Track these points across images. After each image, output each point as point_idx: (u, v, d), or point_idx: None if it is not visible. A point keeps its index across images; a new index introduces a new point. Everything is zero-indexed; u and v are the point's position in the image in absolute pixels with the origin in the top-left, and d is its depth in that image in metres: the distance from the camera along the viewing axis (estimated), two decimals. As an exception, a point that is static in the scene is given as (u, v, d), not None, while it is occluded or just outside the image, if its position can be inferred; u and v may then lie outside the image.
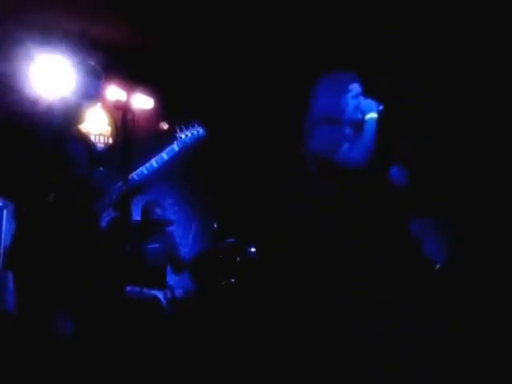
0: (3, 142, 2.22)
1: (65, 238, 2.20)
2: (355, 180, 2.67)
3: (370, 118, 2.75)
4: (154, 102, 5.09)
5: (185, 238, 4.83)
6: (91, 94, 2.44)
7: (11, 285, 3.83)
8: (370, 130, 2.71)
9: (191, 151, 2.56)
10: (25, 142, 2.22)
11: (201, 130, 2.60)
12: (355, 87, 2.78)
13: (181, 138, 2.54)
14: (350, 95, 2.77)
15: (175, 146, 2.52)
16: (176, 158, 2.51)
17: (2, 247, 3.93)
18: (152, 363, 3.35)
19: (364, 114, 2.76)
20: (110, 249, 2.26)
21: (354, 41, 4.42)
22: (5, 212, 3.99)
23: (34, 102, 2.41)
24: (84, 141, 2.51)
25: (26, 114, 2.32)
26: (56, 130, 2.32)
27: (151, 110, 5.07)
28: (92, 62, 2.51)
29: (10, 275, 3.79)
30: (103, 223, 2.38)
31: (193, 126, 2.59)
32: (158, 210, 4.43)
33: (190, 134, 2.56)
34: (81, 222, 2.26)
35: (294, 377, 3.02)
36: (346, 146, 2.69)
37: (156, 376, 3.29)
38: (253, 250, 4.30)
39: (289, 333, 3.29)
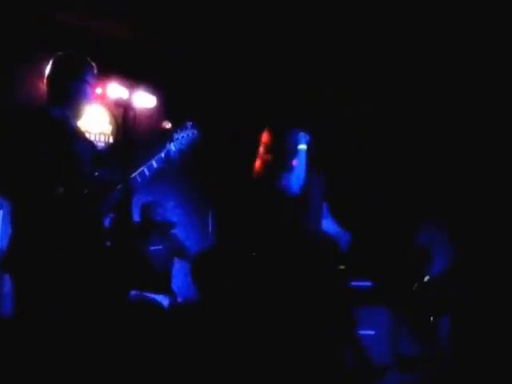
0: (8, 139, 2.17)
1: (69, 238, 2.18)
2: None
3: (301, 149, 2.90)
4: (156, 100, 5.02)
5: (188, 240, 4.75)
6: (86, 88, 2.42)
7: (7, 288, 3.84)
8: (301, 160, 2.83)
9: (187, 152, 2.68)
10: (29, 138, 2.18)
11: (195, 132, 2.72)
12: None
13: (177, 139, 2.65)
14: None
15: (172, 147, 2.62)
16: (174, 158, 2.61)
17: (-2, 248, 3.86)
18: (153, 368, 3.30)
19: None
20: (112, 250, 2.29)
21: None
22: (1, 212, 3.93)
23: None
24: (86, 139, 2.55)
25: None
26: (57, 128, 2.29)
27: (153, 108, 5.00)
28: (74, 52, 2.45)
29: (6, 278, 3.76)
30: (105, 224, 2.42)
31: (187, 128, 2.71)
32: (160, 211, 4.39)
33: (185, 136, 2.68)
34: (86, 222, 2.26)
35: (300, 379, 2.97)
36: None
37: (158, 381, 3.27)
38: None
39: (293, 335, 3.25)
